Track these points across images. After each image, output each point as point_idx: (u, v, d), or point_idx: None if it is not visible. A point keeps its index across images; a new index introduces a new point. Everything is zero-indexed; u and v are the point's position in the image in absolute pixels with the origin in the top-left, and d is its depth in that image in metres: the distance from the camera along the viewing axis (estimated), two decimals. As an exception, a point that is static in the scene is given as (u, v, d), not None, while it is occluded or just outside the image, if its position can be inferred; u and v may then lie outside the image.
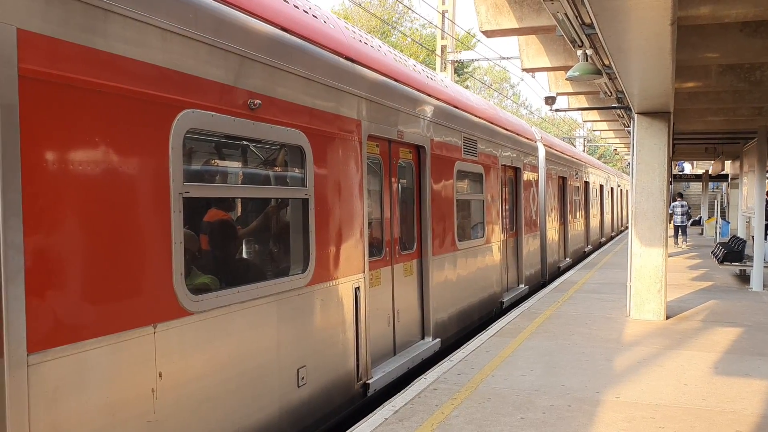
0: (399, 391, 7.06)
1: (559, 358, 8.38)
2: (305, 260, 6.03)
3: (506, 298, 12.92)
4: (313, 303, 6.13)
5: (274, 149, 5.96)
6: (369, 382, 7.10)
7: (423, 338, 8.99)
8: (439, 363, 8.18)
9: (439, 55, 24.34)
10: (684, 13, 7.00)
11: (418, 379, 7.48)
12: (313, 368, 6.07)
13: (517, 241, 14.31)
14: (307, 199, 6.02)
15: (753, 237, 16.00)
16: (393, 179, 8.15)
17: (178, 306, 4.45)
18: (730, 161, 29.55)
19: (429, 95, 9.15)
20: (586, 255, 23.61)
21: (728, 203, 33.68)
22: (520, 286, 14.36)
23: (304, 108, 5.97)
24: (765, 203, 15.21)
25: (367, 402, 7.08)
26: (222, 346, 4.90)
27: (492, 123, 12.25)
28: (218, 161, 5.69)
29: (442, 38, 24.62)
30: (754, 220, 16.00)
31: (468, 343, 9.27)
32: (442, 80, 10.51)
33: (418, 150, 8.83)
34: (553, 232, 17.96)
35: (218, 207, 5.59)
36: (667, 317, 11.14)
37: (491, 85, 63.02)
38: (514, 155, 13.77)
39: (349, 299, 6.76)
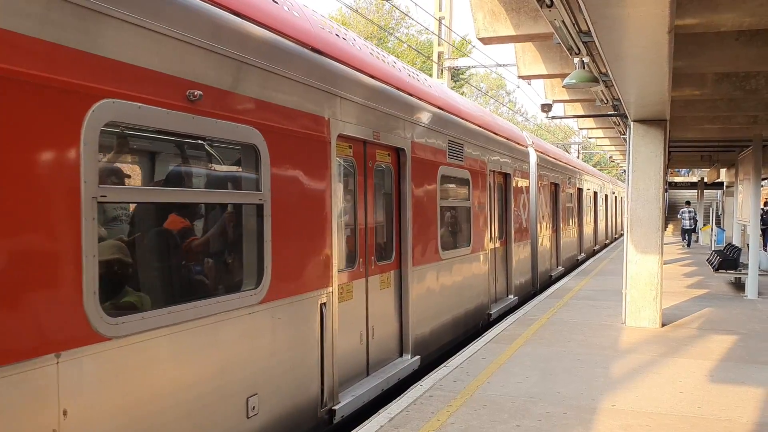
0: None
1: (555, 365, 8.37)
2: (259, 274, 5.36)
3: (494, 310, 12.37)
4: (268, 322, 5.46)
5: (220, 147, 5.39)
6: (335, 408, 6.44)
7: (401, 355, 8.38)
8: (435, 370, 8.15)
9: (436, 61, 24.39)
10: (681, 22, 7.02)
11: (414, 385, 7.46)
12: (266, 396, 5.41)
13: (507, 250, 13.80)
14: (262, 204, 5.36)
15: (748, 245, 16.02)
16: (369, 183, 7.55)
17: (90, 330, 3.78)
18: (725, 169, 29.65)
19: (410, 94, 8.57)
20: (579, 263, 23.33)
21: (723, 211, 33.79)
22: (509, 296, 13.87)
23: (259, 102, 5.35)
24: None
25: (333, 430, 6.51)
26: (150, 375, 4.25)
27: (480, 126, 11.73)
28: (147, 160, 5.09)
29: (439, 45, 24.68)
30: (750, 228, 16.03)
31: (464, 349, 9.25)
32: (426, 80, 9.93)
33: (398, 153, 8.27)
34: (544, 240, 17.48)
35: (149, 214, 4.99)
36: (663, 325, 11.14)
37: (487, 92, 63.15)
38: (504, 160, 13.24)
39: (313, 317, 6.13)
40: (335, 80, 6.53)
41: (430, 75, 24.53)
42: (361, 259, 7.35)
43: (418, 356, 8.52)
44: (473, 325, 11.24)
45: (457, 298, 10.42)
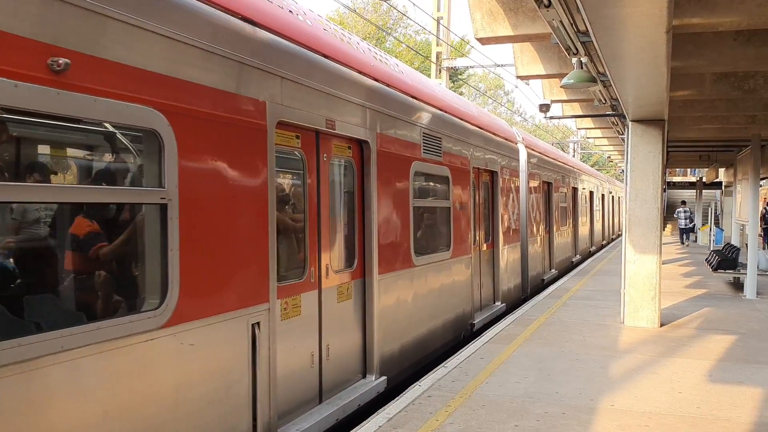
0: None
1: (554, 365, 8.37)
2: (162, 291, 4.34)
3: (478, 319, 11.34)
4: (175, 350, 4.44)
5: (103, 133, 4.36)
6: None
7: (365, 376, 7.37)
8: (432, 371, 8.14)
9: (434, 62, 24.41)
10: (679, 22, 7.03)
11: (411, 386, 7.45)
12: None
13: (493, 254, 12.81)
14: (166, 204, 4.33)
15: (747, 244, 16.03)
16: (323, 180, 6.54)
17: None
18: (723, 169, 29.69)
19: (375, 79, 7.53)
20: (574, 265, 22.59)
21: (722, 211, 33.84)
22: (496, 303, 12.87)
23: (163, 78, 4.32)
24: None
25: None
26: None
27: (462, 119, 10.72)
28: None
29: (437, 45, 24.70)
30: (748, 227, 16.05)
31: (462, 349, 9.23)
32: (397, 65, 8.86)
33: (361, 146, 7.29)
34: (535, 243, 16.62)
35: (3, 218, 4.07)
36: (662, 324, 11.14)
37: (486, 92, 63.21)
38: (490, 157, 12.25)
39: (241, 340, 5.13)
40: (274, 57, 5.53)
41: (429, 75, 24.57)
42: (312, 268, 6.32)
43: (385, 377, 7.54)
44: (453, 337, 10.30)
45: (434, 308, 9.40)
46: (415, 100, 8.74)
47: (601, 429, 6.14)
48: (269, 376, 5.41)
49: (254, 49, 5.27)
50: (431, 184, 9.73)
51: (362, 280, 7.34)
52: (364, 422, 6.25)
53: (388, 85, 7.91)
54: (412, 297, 8.56)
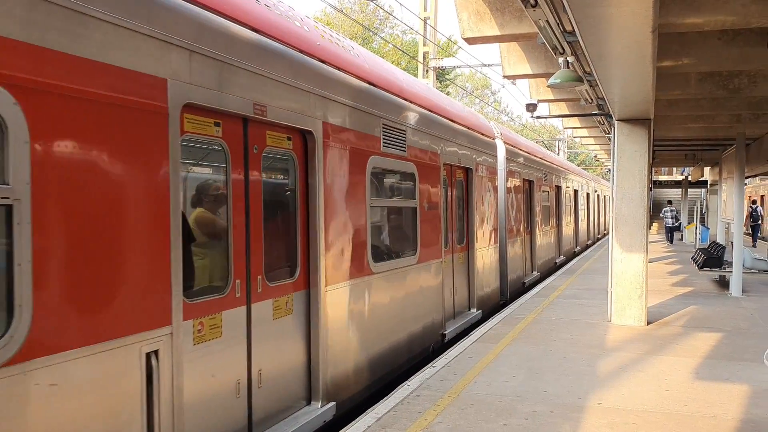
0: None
1: (542, 364, 8.39)
2: (8, 318, 3.38)
3: (450, 329, 10.42)
4: (26, 395, 3.43)
5: None
6: None
7: (309, 403, 6.40)
8: (422, 369, 8.14)
9: (421, 62, 24.44)
10: (664, 21, 7.07)
11: (401, 385, 7.45)
12: None
13: (468, 257, 11.95)
14: (11, 206, 3.37)
15: (732, 243, 16.16)
16: (253, 176, 5.60)
17: None
18: (709, 168, 29.91)
19: (322, 61, 6.64)
20: (557, 267, 21.83)
21: (707, 209, 34.11)
22: (471, 310, 11.97)
23: (7, 42, 3.33)
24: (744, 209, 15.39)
25: None
26: None
27: (431, 111, 9.81)
28: None
29: (424, 45, 24.75)
30: (733, 225, 16.17)
31: (450, 349, 9.23)
32: (353, 48, 7.89)
33: (304, 137, 6.37)
34: (515, 244, 15.80)
35: None
36: (648, 323, 11.21)
37: (473, 92, 63.37)
38: (464, 153, 11.37)
39: (132, 374, 4.13)
40: (180, 25, 4.58)
41: (416, 75, 24.60)
42: (237, 281, 5.35)
43: (333, 403, 6.57)
44: (421, 351, 9.33)
45: (397, 320, 8.42)
46: (373, 88, 7.82)
47: (590, 427, 6.16)
48: (173, 414, 4.44)
49: (149, 13, 4.28)
50: (394, 181, 8.84)
51: (306, 291, 6.40)
52: (353, 422, 6.24)
53: (339, 69, 6.98)
54: (369, 309, 7.60)
